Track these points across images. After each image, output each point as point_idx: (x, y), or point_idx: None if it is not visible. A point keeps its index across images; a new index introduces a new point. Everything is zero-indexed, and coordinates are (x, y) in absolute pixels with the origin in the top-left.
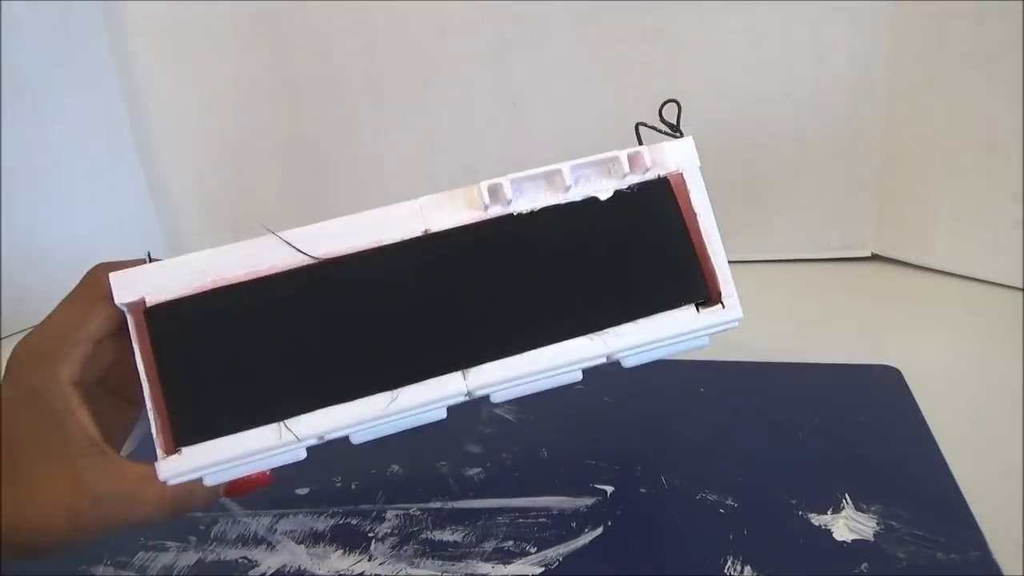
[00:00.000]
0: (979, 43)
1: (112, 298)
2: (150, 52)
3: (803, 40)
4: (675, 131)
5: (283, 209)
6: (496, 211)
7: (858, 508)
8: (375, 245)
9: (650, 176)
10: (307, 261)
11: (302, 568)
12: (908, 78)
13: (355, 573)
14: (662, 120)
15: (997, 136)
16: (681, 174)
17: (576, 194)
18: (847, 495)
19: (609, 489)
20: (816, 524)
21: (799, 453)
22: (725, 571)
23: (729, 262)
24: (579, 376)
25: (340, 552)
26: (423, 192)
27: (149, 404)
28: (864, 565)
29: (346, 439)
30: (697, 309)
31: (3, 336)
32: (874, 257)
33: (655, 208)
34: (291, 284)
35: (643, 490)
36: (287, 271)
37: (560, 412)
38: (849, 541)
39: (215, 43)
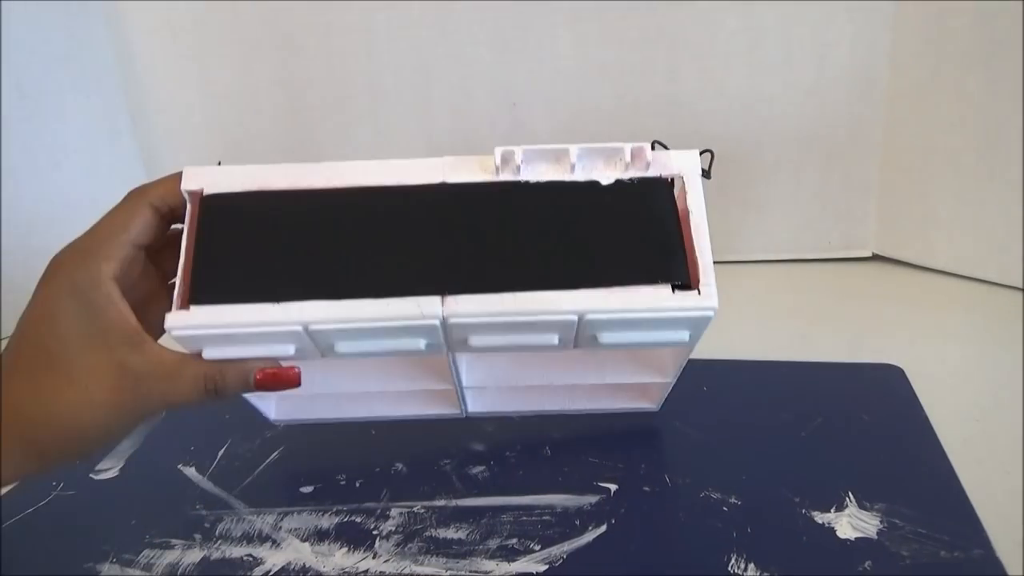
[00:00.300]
0: (979, 43)
1: (152, 209)
2: (151, 52)
3: (803, 40)
4: (705, 175)
5: None
6: (506, 176)
7: (861, 506)
8: (398, 183)
9: (652, 173)
10: (340, 184)
11: (307, 566)
12: (908, 78)
13: (360, 571)
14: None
15: (997, 136)
16: (682, 177)
17: (580, 175)
18: (850, 493)
19: (613, 487)
20: (819, 522)
21: (802, 451)
22: (728, 569)
23: (730, 262)
24: (555, 341)
25: (345, 550)
26: None
27: (180, 272)
28: (867, 563)
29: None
30: (673, 290)
31: (3, 336)
32: (875, 257)
33: (652, 200)
34: (321, 199)
35: (647, 488)
36: (321, 189)
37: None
38: (852, 539)
39: (215, 43)
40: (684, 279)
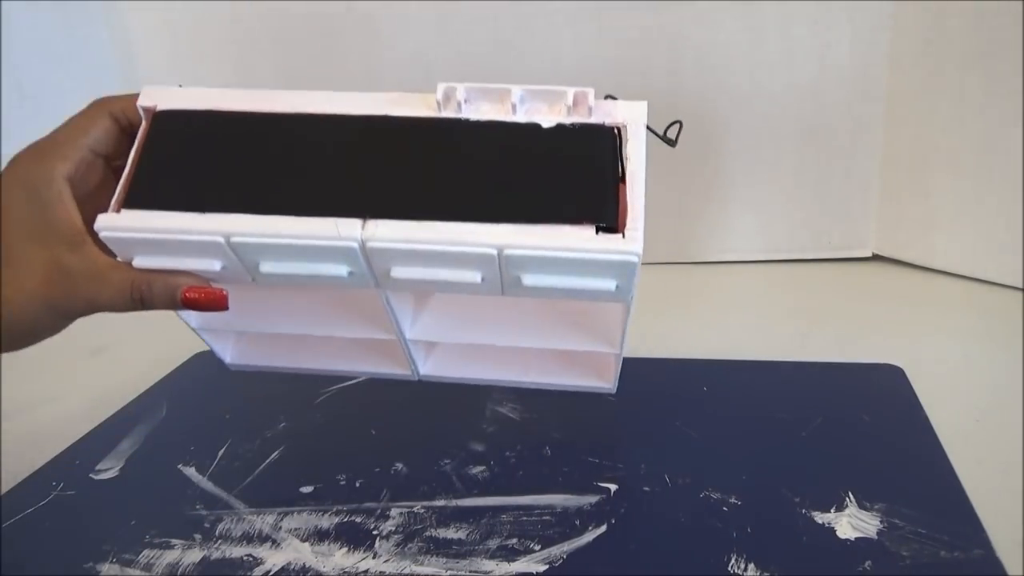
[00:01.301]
0: (979, 43)
1: (111, 119)
2: (151, 52)
3: (803, 39)
4: (670, 143)
5: None
6: (448, 113)
7: (861, 506)
8: (342, 112)
9: (595, 120)
10: (286, 110)
11: (307, 566)
12: (908, 78)
13: (360, 571)
14: (665, 138)
15: (997, 136)
16: (626, 126)
17: (522, 117)
18: (851, 493)
19: (613, 487)
20: (820, 522)
21: (802, 451)
22: (729, 569)
23: (730, 262)
24: (478, 279)
25: (345, 550)
26: None
27: (122, 180)
28: (867, 563)
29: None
30: (597, 231)
31: None
32: (875, 257)
33: (591, 146)
34: (265, 123)
35: (647, 488)
36: (267, 113)
37: (563, 410)
38: (852, 539)
39: (215, 43)
40: (610, 222)
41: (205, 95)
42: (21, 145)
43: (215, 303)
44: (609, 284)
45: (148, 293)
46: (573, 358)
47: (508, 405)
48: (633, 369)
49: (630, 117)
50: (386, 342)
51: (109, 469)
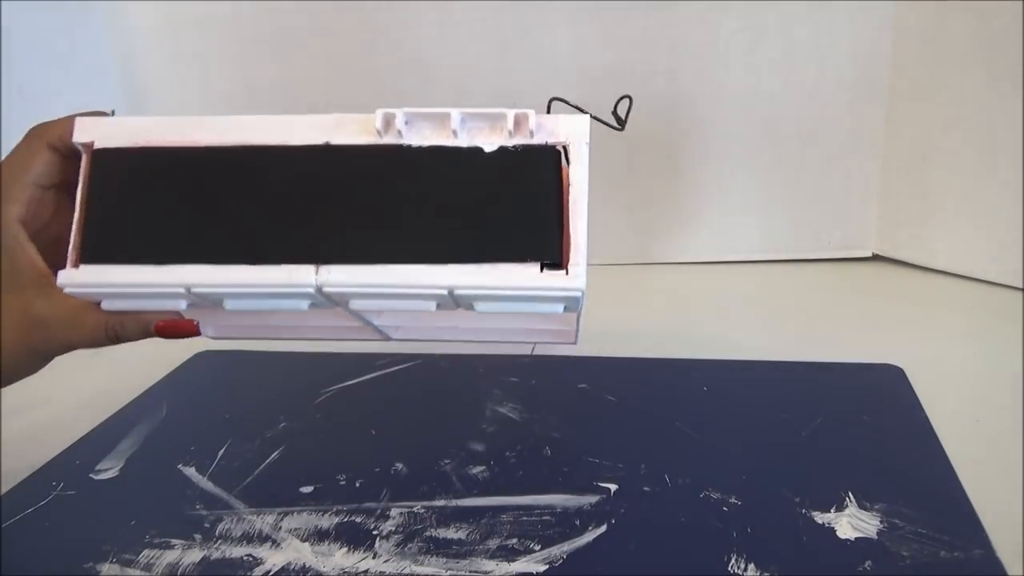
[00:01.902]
0: (979, 43)
1: (51, 150)
2: (151, 53)
3: (803, 40)
4: (620, 123)
5: None
6: (389, 139)
7: (861, 506)
8: (282, 143)
9: (537, 141)
10: (227, 141)
11: (307, 566)
12: (908, 78)
13: (360, 571)
14: (613, 113)
15: (997, 136)
16: (567, 146)
17: (463, 141)
18: (851, 493)
19: (613, 487)
20: (819, 522)
21: (802, 451)
22: (728, 569)
23: (730, 262)
24: (432, 307)
25: (345, 550)
26: None
27: (74, 227)
28: (867, 563)
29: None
30: (542, 269)
31: None
32: (875, 257)
33: (534, 170)
34: (206, 158)
35: (647, 488)
36: (207, 147)
37: (563, 410)
38: (852, 539)
39: (215, 43)
40: (554, 258)
41: (141, 126)
42: None
43: (188, 332)
44: (557, 307)
45: (122, 330)
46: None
47: (508, 405)
48: (633, 369)
49: (572, 135)
50: (357, 326)
51: (109, 469)
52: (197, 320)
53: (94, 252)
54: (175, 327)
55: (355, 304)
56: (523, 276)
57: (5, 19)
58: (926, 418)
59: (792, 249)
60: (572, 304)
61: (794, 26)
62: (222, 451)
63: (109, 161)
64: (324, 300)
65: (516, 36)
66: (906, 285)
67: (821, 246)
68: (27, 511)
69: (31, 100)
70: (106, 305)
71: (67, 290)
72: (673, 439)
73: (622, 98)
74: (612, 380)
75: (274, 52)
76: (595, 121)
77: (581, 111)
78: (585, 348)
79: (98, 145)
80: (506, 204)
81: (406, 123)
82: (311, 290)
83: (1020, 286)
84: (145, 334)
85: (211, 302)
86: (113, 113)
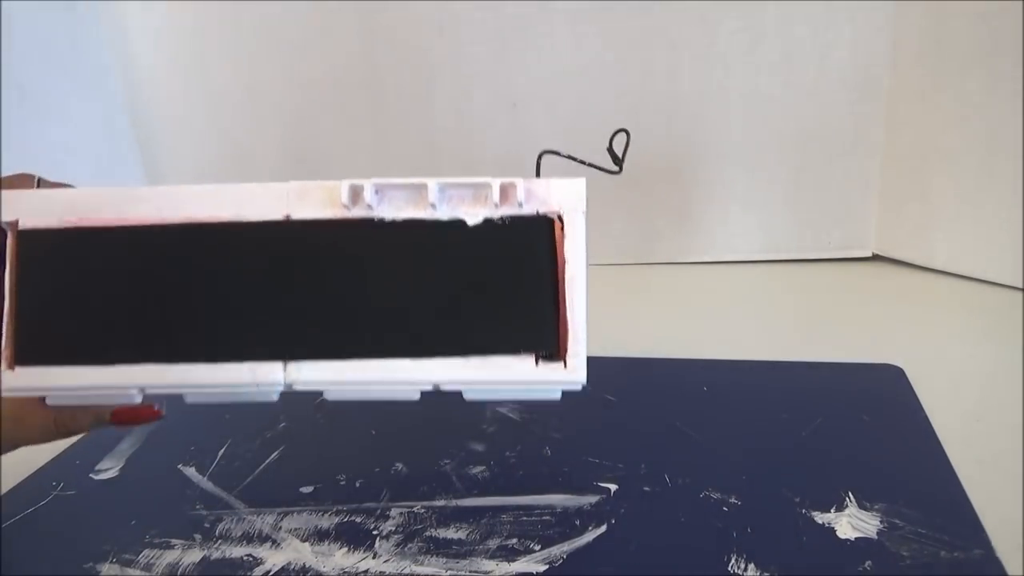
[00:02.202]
0: (979, 43)
1: None
2: (150, 53)
3: (803, 40)
4: (617, 163)
5: None
6: (359, 212)
7: (861, 506)
8: (236, 219)
9: (527, 211)
10: (172, 218)
11: (307, 566)
12: (908, 78)
13: (360, 571)
14: (609, 150)
15: (997, 136)
16: (563, 215)
17: (443, 213)
18: (850, 493)
19: (613, 487)
20: (819, 522)
21: (802, 451)
22: (728, 569)
23: (730, 262)
24: (416, 396)
25: (345, 550)
26: None
27: (4, 319)
28: (867, 563)
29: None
30: (537, 362)
31: None
32: (875, 257)
33: (525, 246)
34: (150, 238)
35: (647, 488)
36: (147, 226)
37: (563, 410)
38: (852, 539)
39: (215, 43)
40: (550, 349)
41: (72, 200)
42: (21, 145)
43: (148, 418)
44: (555, 395)
45: (74, 424)
46: None
47: (508, 405)
48: (633, 369)
49: (567, 203)
50: None
51: (109, 469)
52: (158, 404)
53: (30, 351)
54: (134, 415)
55: (331, 395)
56: (516, 370)
57: (5, 19)
58: (926, 418)
59: (792, 249)
60: (572, 390)
61: (794, 26)
62: (222, 451)
63: (38, 242)
64: (294, 393)
65: (516, 36)
66: (906, 285)
67: (821, 246)
68: (27, 511)
69: (31, 100)
70: (51, 402)
71: (3, 394)
72: (673, 439)
73: (618, 132)
74: (612, 380)
75: (274, 52)
76: (591, 164)
77: (573, 159)
78: (585, 348)
79: (24, 225)
80: (494, 286)
81: (376, 194)
82: (279, 388)
83: (1020, 286)
84: (100, 424)
85: (171, 395)
86: (39, 184)
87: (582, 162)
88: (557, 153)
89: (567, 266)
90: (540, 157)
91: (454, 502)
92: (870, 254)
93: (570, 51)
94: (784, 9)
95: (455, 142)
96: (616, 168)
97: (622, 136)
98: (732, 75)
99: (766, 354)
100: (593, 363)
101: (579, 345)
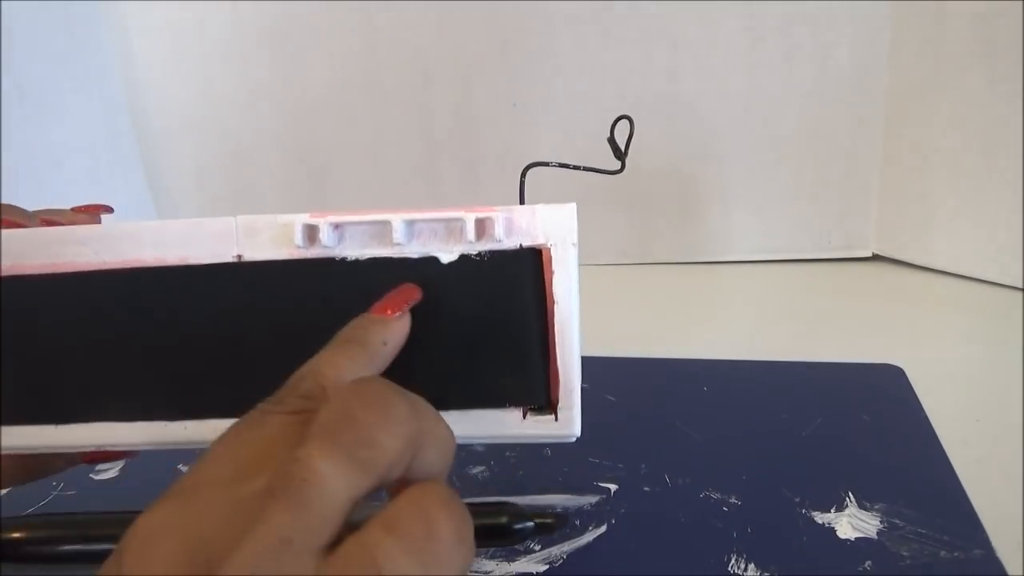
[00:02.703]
0: (979, 43)
1: None
2: (151, 52)
3: (803, 40)
4: (618, 156)
5: (283, 209)
6: (317, 252)
7: (861, 506)
8: (181, 263)
9: (510, 245)
10: (108, 264)
11: None
12: (908, 78)
13: None
14: (610, 140)
15: (997, 136)
16: (551, 247)
17: (413, 250)
18: (851, 493)
19: (613, 487)
20: (819, 522)
21: (802, 451)
22: (728, 569)
23: (730, 262)
24: None
25: None
26: (423, 194)
27: None
28: (868, 563)
29: None
30: (525, 415)
31: None
32: (875, 257)
33: (508, 284)
34: (91, 285)
35: (647, 488)
36: (90, 272)
37: None
38: (852, 539)
39: (215, 43)
40: (539, 401)
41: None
42: (21, 145)
43: (121, 456)
44: (545, 444)
45: (45, 468)
46: None
47: None
48: (633, 369)
49: (556, 234)
50: None
51: (109, 469)
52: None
53: None
54: (106, 455)
55: None
56: (500, 424)
57: (5, 19)
58: (926, 418)
59: (792, 249)
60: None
61: (794, 26)
62: None
63: None
64: None
65: (516, 36)
66: (906, 285)
67: (821, 246)
68: (27, 511)
69: (31, 100)
70: (8, 452)
71: None
72: (673, 439)
73: (620, 119)
74: (612, 380)
75: (274, 52)
76: (590, 167)
77: (566, 167)
78: (585, 348)
79: None
80: (473, 330)
81: (335, 231)
82: None
83: (1020, 286)
84: (72, 464)
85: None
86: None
87: (576, 167)
88: (546, 164)
89: (557, 307)
90: (524, 174)
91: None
92: (870, 254)
93: (570, 51)
94: (784, 9)
95: (455, 142)
96: (617, 166)
97: (624, 125)
98: (732, 75)
99: (766, 354)
100: (593, 363)
101: (572, 396)
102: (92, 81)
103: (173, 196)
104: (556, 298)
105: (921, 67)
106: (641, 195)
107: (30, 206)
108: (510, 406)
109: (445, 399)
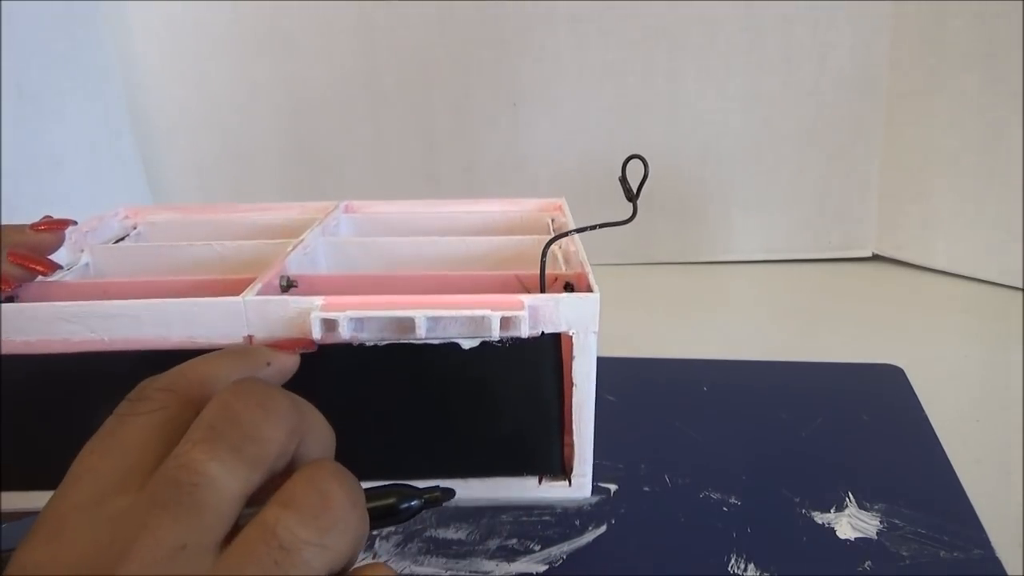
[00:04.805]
0: (979, 43)
1: None
2: (151, 53)
3: (803, 40)
4: (630, 198)
5: None
6: (333, 338)
7: (861, 506)
8: (187, 345)
9: (531, 332)
10: (106, 346)
11: None
12: (908, 78)
13: None
14: (622, 180)
15: (997, 136)
16: (571, 336)
17: (435, 337)
18: (850, 493)
19: (613, 487)
20: (819, 522)
21: (802, 451)
22: (728, 569)
23: (730, 262)
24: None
25: None
26: (423, 194)
27: None
28: (867, 563)
29: None
30: (540, 481)
31: None
32: (875, 257)
33: (528, 367)
34: (80, 364)
35: (647, 488)
36: (79, 354)
37: None
38: (852, 539)
39: (215, 43)
40: (554, 471)
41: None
42: (21, 145)
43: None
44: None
45: None
46: None
47: None
48: (633, 369)
49: (578, 322)
50: None
51: None
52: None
53: None
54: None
55: None
56: (520, 489)
57: (5, 19)
58: (926, 418)
59: (792, 249)
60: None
61: (794, 26)
62: None
63: None
64: None
65: (516, 36)
66: (906, 285)
67: (821, 246)
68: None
69: (31, 100)
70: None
71: None
72: (673, 439)
73: (631, 159)
74: (612, 380)
75: (274, 52)
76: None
77: (582, 231)
78: None
79: None
80: (494, 407)
81: (351, 325)
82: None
83: (1020, 286)
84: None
85: None
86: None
87: (592, 228)
88: (565, 235)
89: (575, 390)
90: (545, 252)
91: (454, 502)
92: (870, 254)
93: (570, 51)
94: (784, 9)
95: (455, 142)
96: (629, 212)
97: (637, 164)
98: (732, 75)
99: (766, 354)
100: None
101: (586, 465)
102: (92, 81)
103: (173, 196)
104: (575, 382)
105: (921, 67)
106: (641, 195)
107: (30, 206)
108: (528, 474)
109: (468, 466)
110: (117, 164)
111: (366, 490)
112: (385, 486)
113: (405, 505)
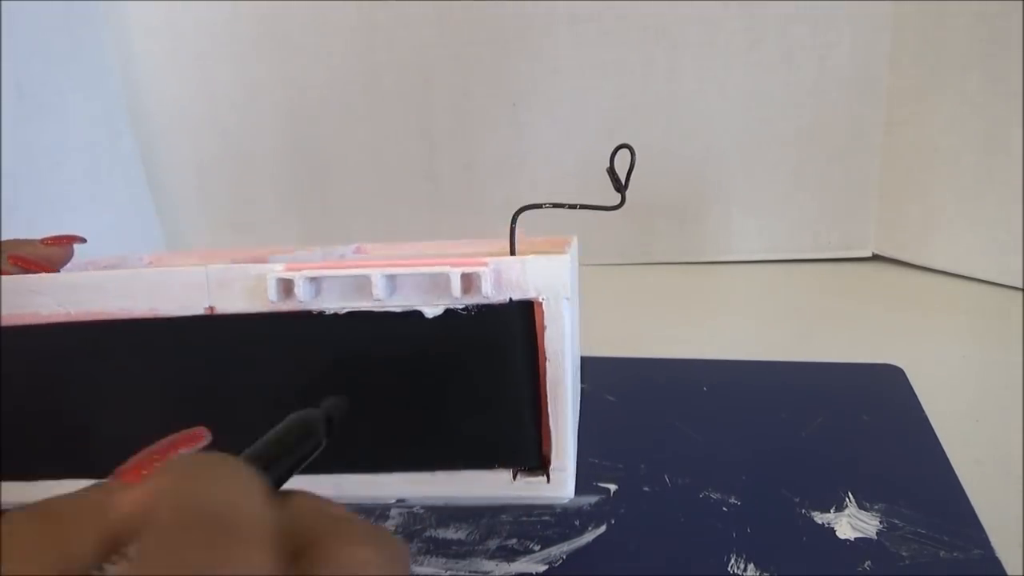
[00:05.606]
0: (979, 43)
1: None
2: (151, 52)
3: (803, 40)
4: (618, 189)
5: (283, 209)
6: (292, 305)
7: (861, 506)
8: (149, 315)
9: (499, 299)
10: (76, 315)
11: None
12: (908, 78)
13: None
14: (610, 171)
15: (997, 136)
16: (541, 304)
17: (395, 303)
18: (850, 493)
19: (612, 487)
20: (819, 522)
21: (802, 451)
22: (728, 569)
23: (730, 262)
24: (392, 500)
25: None
26: (423, 194)
27: None
28: (867, 563)
29: None
30: (515, 476)
31: None
32: (875, 257)
33: (496, 339)
34: (55, 336)
35: (646, 488)
36: (53, 324)
37: None
38: (852, 539)
39: (215, 43)
40: (531, 463)
41: None
42: (21, 145)
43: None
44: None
45: None
46: None
47: None
48: (633, 369)
49: (548, 287)
50: None
51: None
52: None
53: None
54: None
55: None
56: (489, 485)
57: (5, 19)
58: (926, 418)
59: (792, 249)
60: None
61: (794, 26)
62: None
63: None
64: None
65: (516, 36)
66: (906, 285)
67: (821, 246)
68: None
69: (31, 100)
70: None
71: None
72: (673, 439)
73: (620, 148)
74: (612, 380)
75: (274, 52)
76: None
77: (561, 207)
78: (585, 348)
79: None
80: (460, 389)
81: (310, 284)
82: None
83: (1020, 286)
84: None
85: None
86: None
87: (573, 207)
88: (539, 206)
89: (548, 364)
90: (514, 220)
91: (452, 502)
92: (870, 254)
93: (570, 51)
94: (784, 9)
95: (455, 142)
96: (617, 199)
97: (625, 154)
98: (732, 75)
99: (766, 354)
100: (593, 363)
101: (565, 458)
102: (92, 81)
103: (173, 196)
104: (548, 355)
105: (921, 67)
106: (641, 195)
107: (30, 206)
108: (499, 467)
109: (431, 459)
110: (117, 164)
111: (256, 451)
112: (277, 431)
113: (313, 445)
